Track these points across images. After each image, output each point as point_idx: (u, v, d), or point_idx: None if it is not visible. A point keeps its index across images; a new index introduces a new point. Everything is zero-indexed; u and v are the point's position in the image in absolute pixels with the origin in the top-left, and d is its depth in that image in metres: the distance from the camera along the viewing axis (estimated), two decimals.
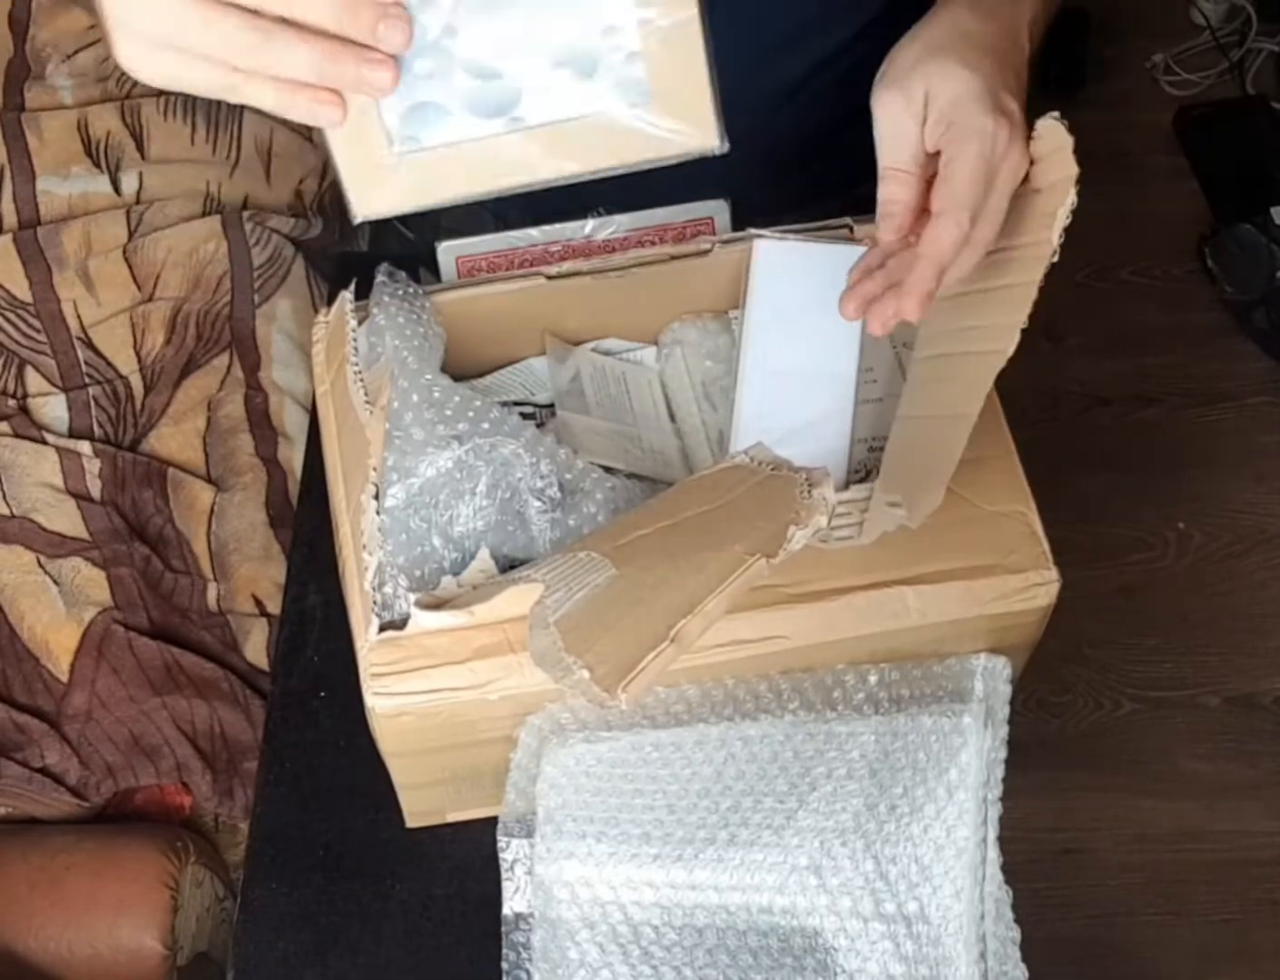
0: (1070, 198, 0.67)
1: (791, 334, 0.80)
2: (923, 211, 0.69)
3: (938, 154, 0.69)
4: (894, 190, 0.69)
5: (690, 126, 0.59)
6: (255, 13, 0.53)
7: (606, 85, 0.58)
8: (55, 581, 1.21)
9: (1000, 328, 0.69)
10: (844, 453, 0.78)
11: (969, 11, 0.71)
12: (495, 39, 0.56)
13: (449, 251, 0.86)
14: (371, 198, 0.58)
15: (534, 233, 0.85)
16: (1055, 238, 0.67)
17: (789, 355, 0.80)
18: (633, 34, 0.57)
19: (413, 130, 0.59)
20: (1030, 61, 0.75)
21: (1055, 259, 0.67)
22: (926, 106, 0.68)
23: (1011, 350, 0.67)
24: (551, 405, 0.84)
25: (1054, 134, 0.68)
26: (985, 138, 0.68)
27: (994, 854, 0.70)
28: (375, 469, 0.70)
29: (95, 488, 1.26)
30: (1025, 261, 0.69)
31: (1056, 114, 0.69)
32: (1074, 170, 0.67)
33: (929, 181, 0.69)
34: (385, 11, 0.53)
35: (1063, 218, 0.67)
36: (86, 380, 1.31)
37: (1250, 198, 1.74)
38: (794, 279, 0.81)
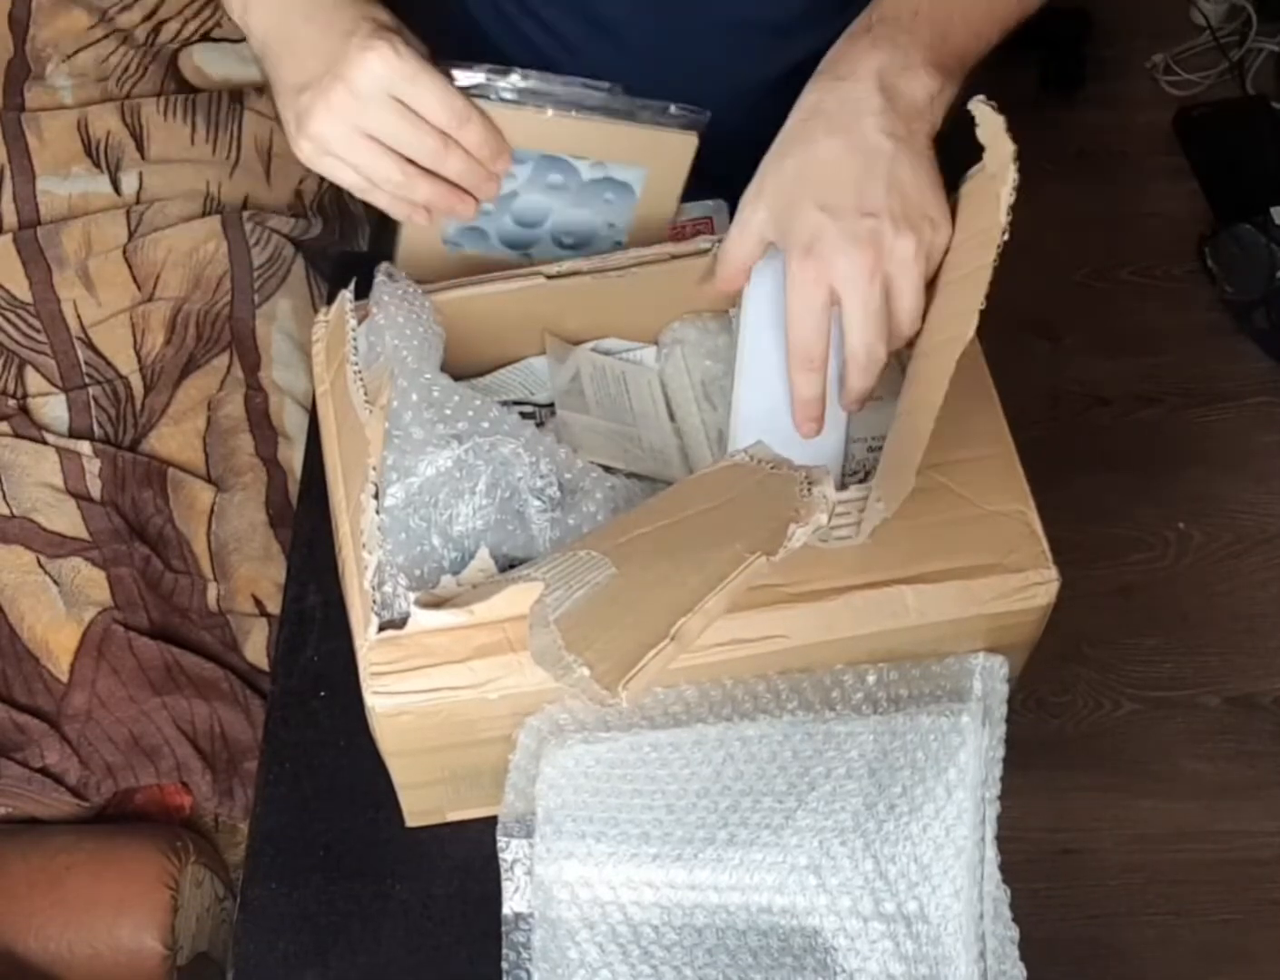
0: (1011, 176, 0.66)
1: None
2: None
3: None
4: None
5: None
6: (409, 159, 0.75)
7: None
8: (55, 581, 1.21)
9: (959, 314, 0.69)
10: (839, 451, 0.78)
11: (815, 119, 0.74)
12: (538, 209, 0.83)
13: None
14: (417, 273, 0.79)
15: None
16: (1003, 218, 0.67)
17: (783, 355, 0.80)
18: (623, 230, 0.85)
19: (460, 240, 0.84)
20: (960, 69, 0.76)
21: (1005, 237, 0.67)
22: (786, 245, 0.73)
23: (970, 333, 0.67)
24: (551, 405, 0.84)
25: (987, 117, 0.68)
26: (799, 290, 0.72)
27: (992, 853, 0.70)
28: (375, 468, 0.70)
29: (95, 488, 1.26)
30: (979, 247, 0.69)
31: (982, 97, 0.68)
32: (1010, 148, 0.66)
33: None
34: (489, 175, 0.77)
35: (1006, 197, 0.67)
36: (86, 380, 1.31)
37: (1250, 198, 1.74)
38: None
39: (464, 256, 0.85)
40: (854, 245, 0.70)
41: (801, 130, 0.74)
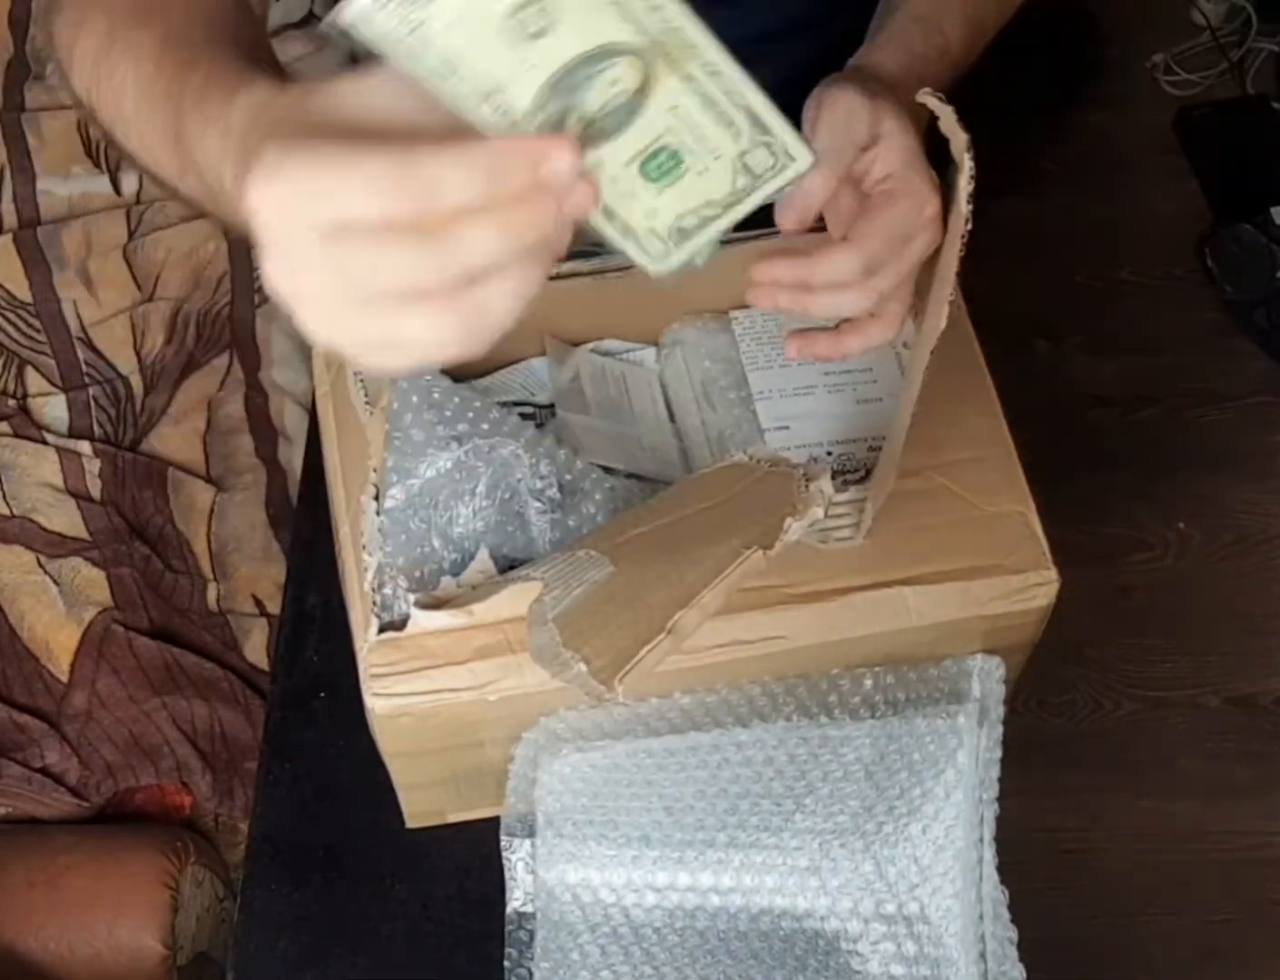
0: (968, 166, 0.66)
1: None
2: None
3: (857, 182, 0.70)
4: (813, 182, 0.68)
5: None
6: None
7: None
8: (55, 581, 1.22)
9: (931, 309, 0.69)
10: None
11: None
12: None
13: None
14: None
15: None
16: (964, 207, 0.67)
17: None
18: None
19: None
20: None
21: (968, 227, 0.67)
22: (878, 138, 0.69)
23: (942, 325, 0.67)
24: (551, 406, 0.84)
25: (939, 109, 0.68)
26: (918, 204, 0.69)
27: (990, 854, 0.70)
28: (375, 470, 0.70)
29: (95, 488, 1.26)
30: (948, 239, 0.70)
31: (928, 90, 0.68)
32: (964, 138, 0.66)
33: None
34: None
35: (965, 187, 0.67)
36: (86, 380, 1.31)
37: (1250, 198, 1.74)
38: None
39: None
40: (930, 188, 0.70)
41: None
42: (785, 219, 0.69)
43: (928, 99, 0.69)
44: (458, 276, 0.46)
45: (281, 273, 0.45)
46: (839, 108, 0.69)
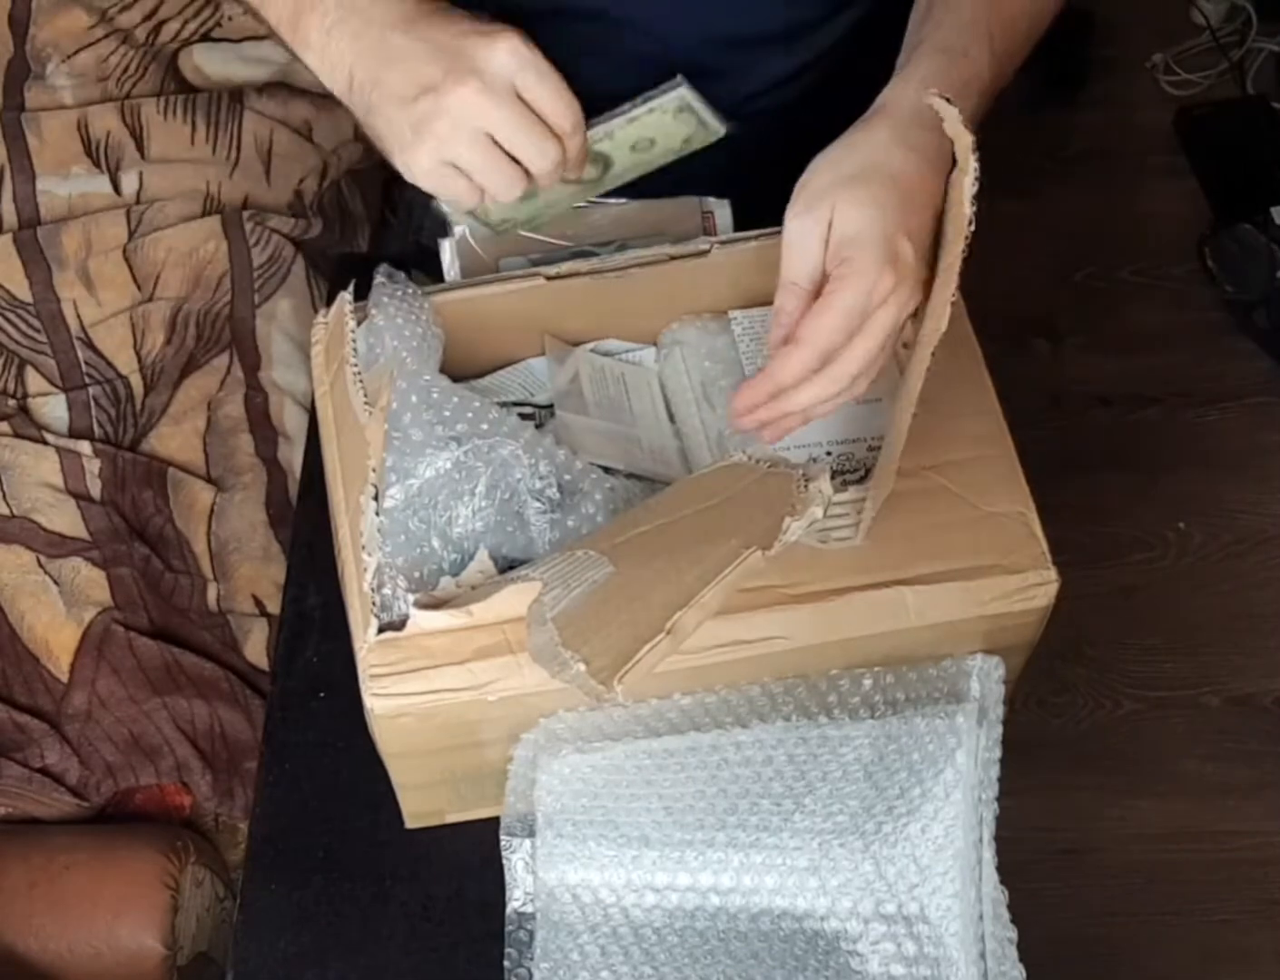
0: (972, 166, 0.66)
1: None
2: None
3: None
4: (786, 301, 0.72)
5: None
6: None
7: None
8: (55, 581, 1.21)
9: (933, 309, 0.69)
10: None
11: (888, 138, 0.73)
12: None
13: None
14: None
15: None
16: (967, 209, 0.67)
17: None
18: None
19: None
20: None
21: (972, 228, 0.67)
22: (830, 232, 0.71)
23: (943, 327, 0.67)
24: (551, 406, 0.84)
25: (944, 110, 0.68)
26: (865, 283, 0.70)
27: (989, 854, 0.70)
28: (374, 470, 0.70)
29: (95, 488, 1.26)
30: (949, 241, 0.70)
31: (935, 91, 0.68)
32: (969, 138, 0.66)
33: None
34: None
35: (969, 188, 0.67)
36: (86, 380, 1.31)
37: (1250, 197, 1.74)
38: None
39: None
40: (917, 286, 0.71)
41: (868, 137, 0.74)
42: (772, 340, 0.73)
43: (933, 100, 0.69)
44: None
45: (446, 104, 0.72)
46: (787, 238, 0.72)
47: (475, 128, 0.72)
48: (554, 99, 0.73)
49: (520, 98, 0.72)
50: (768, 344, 0.74)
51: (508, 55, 0.71)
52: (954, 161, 0.70)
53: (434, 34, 0.73)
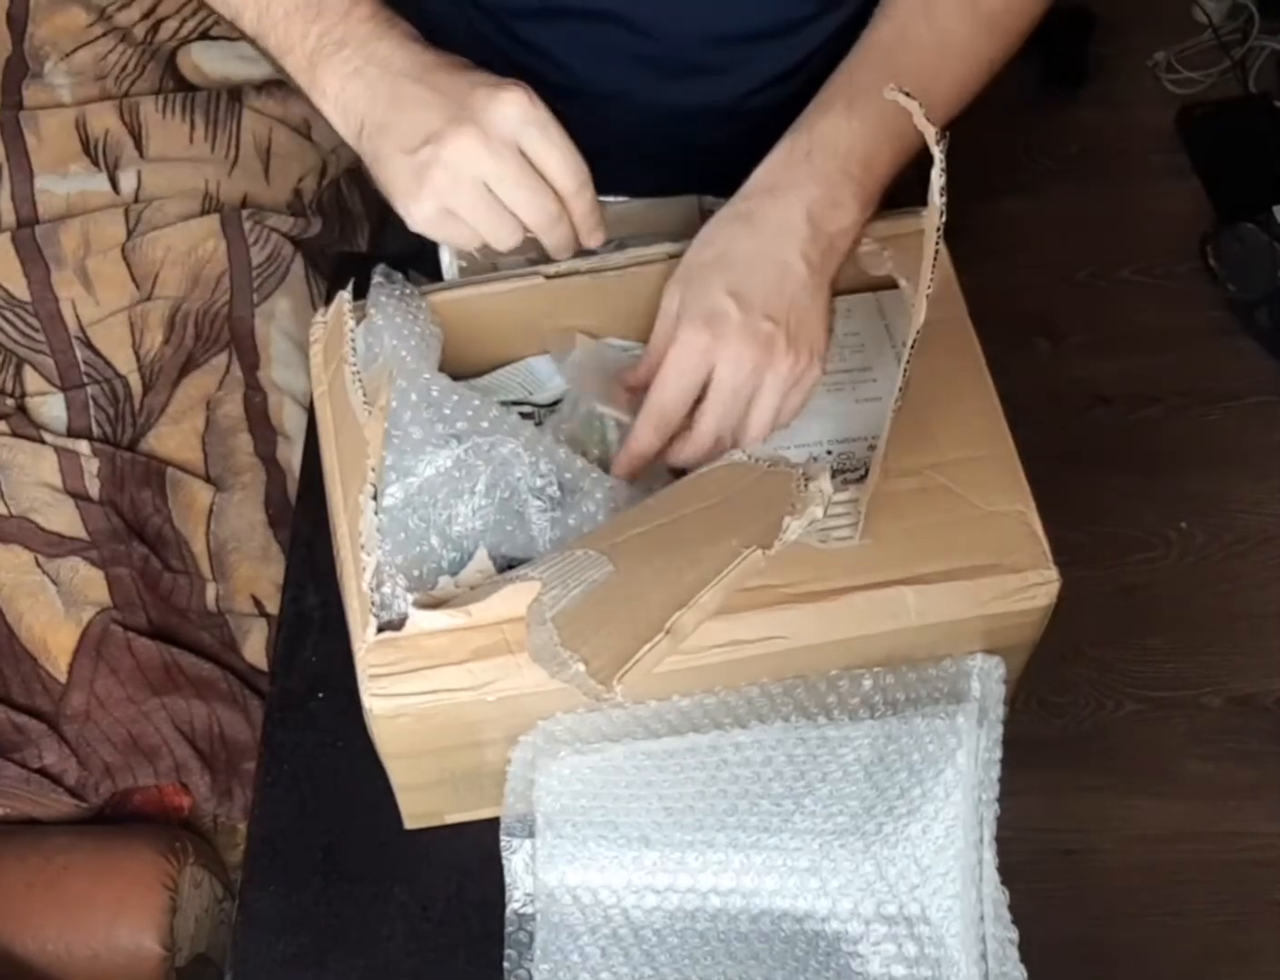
0: (937, 157, 0.66)
1: None
2: None
3: None
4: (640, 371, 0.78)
5: None
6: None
7: None
8: (53, 581, 1.21)
9: (913, 302, 0.69)
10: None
11: (743, 224, 0.77)
12: None
13: None
14: None
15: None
16: (936, 199, 0.67)
17: None
18: None
19: None
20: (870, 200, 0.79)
21: (943, 219, 0.67)
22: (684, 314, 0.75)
23: (921, 319, 0.67)
24: (550, 405, 0.84)
25: (908, 105, 0.68)
26: (740, 362, 0.73)
27: (990, 855, 0.70)
28: (374, 469, 0.69)
29: (94, 487, 1.25)
30: (925, 233, 0.69)
31: (893, 86, 0.68)
32: (932, 130, 0.66)
33: None
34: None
35: (936, 179, 0.67)
36: (85, 379, 1.31)
37: (1252, 196, 1.74)
38: None
39: None
40: (750, 337, 0.73)
41: (729, 230, 0.77)
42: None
43: (895, 95, 0.68)
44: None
45: (446, 153, 0.71)
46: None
47: (473, 177, 0.72)
48: (557, 156, 0.72)
49: (523, 152, 0.72)
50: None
51: (512, 107, 0.71)
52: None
53: (445, 83, 0.73)
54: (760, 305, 0.74)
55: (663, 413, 0.75)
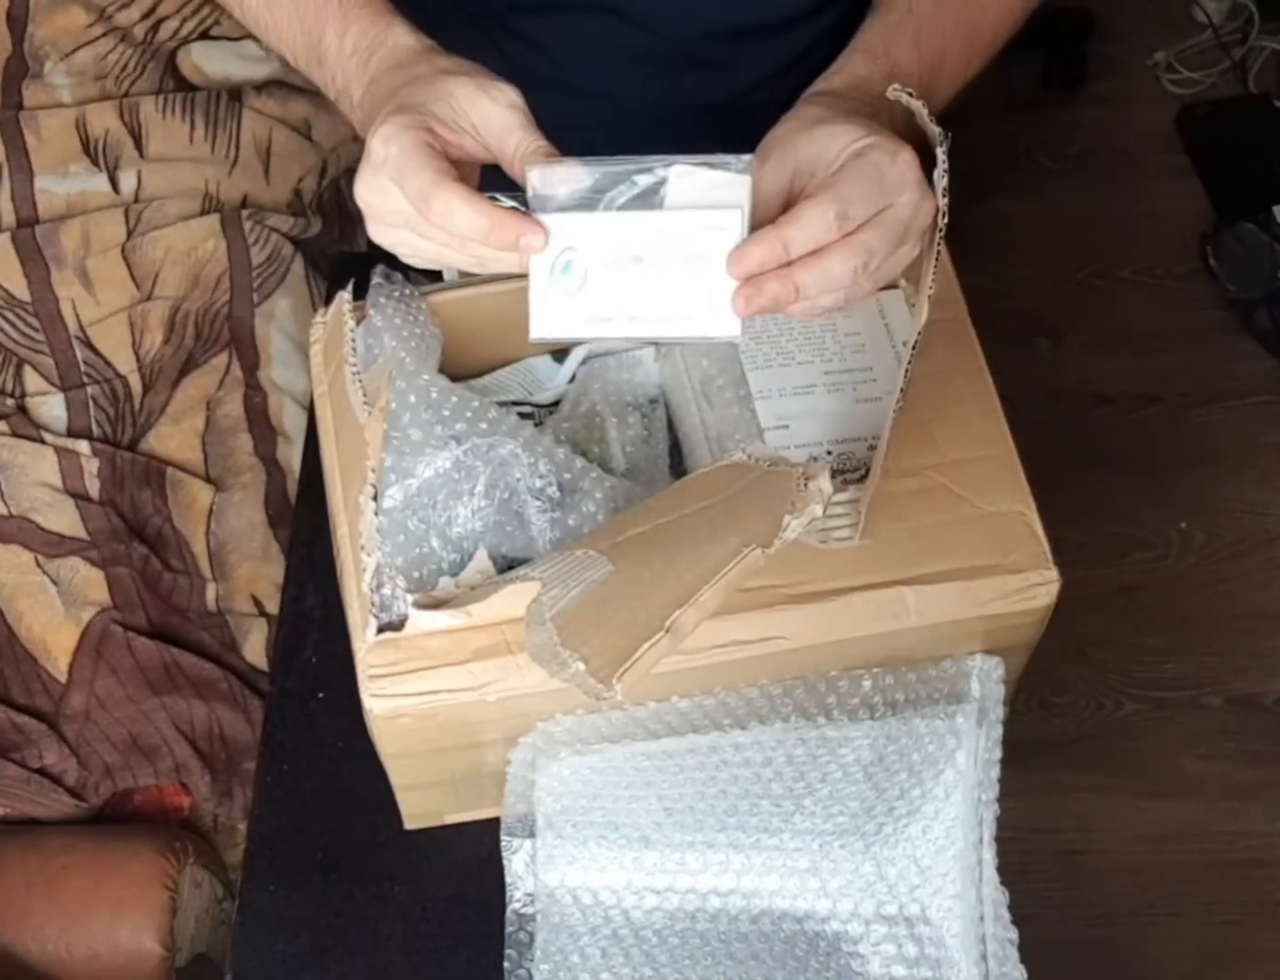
0: (939, 158, 0.66)
1: None
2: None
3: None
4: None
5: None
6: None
7: None
8: (54, 581, 1.21)
9: (917, 303, 0.69)
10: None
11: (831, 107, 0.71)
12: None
13: None
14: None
15: None
16: (940, 199, 0.67)
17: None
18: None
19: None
20: None
21: (945, 221, 0.67)
22: (801, 175, 0.68)
23: (924, 318, 0.67)
24: (550, 405, 0.84)
25: (911, 106, 0.68)
26: (886, 157, 0.66)
27: (990, 855, 0.70)
28: (374, 470, 0.70)
29: (94, 487, 1.25)
30: (928, 232, 0.70)
31: (898, 86, 0.68)
32: (936, 131, 0.66)
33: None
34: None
35: (939, 179, 0.67)
36: (85, 379, 1.31)
37: (1252, 196, 1.74)
38: None
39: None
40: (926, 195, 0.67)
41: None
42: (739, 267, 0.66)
43: (899, 95, 0.68)
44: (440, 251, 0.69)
45: (361, 192, 0.68)
46: (761, 180, 0.67)
47: (379, 217, 0.68)
48: (413, 189, 0.66)
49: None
50: (731, 262, 0.66)
51: (379, 143, 0.66)
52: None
53: (379, 100, 0.70)
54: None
55: (853, 205, 0.64)
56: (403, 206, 0.66)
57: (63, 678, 1.18)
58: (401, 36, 0.73)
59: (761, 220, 0.66)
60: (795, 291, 0.65)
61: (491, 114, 0.68)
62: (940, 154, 0.66)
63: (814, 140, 0.68)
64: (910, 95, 0.68)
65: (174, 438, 1.29)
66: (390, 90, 0.70)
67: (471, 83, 0.68)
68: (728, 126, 0.87)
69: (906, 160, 0.66)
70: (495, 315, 0.82)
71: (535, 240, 0.66)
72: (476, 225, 0.65)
